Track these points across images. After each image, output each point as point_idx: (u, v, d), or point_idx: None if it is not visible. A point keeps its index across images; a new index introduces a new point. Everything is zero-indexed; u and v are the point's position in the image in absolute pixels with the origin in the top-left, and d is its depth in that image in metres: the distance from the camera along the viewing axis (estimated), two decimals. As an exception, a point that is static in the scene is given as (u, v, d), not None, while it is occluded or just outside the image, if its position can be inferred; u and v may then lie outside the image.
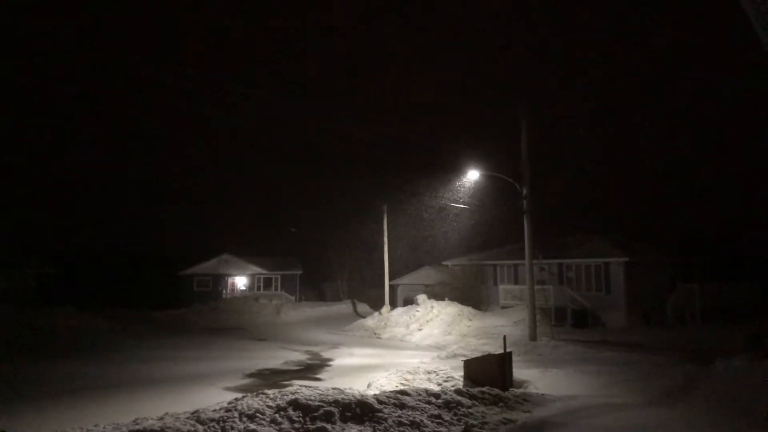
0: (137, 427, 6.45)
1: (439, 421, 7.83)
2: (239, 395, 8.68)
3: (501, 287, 27.72)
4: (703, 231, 33.81)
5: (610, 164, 46.50)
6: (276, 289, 40.95)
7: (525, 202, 18.47)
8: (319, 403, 7.48)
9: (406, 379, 12.25)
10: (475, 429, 7.62)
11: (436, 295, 28.10)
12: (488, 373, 10.71)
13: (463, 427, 7.62)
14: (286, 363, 16.60)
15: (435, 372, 13.22)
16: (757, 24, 2.76)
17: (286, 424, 7.03)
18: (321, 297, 44.82)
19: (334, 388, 8.71)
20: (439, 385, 11.51)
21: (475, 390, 9.47)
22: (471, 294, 28.68)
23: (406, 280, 36.81)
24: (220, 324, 28.99)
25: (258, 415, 7.10)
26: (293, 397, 7.68)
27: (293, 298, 40.71)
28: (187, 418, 7.00)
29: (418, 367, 14.07)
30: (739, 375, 10.04)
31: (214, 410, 7.34)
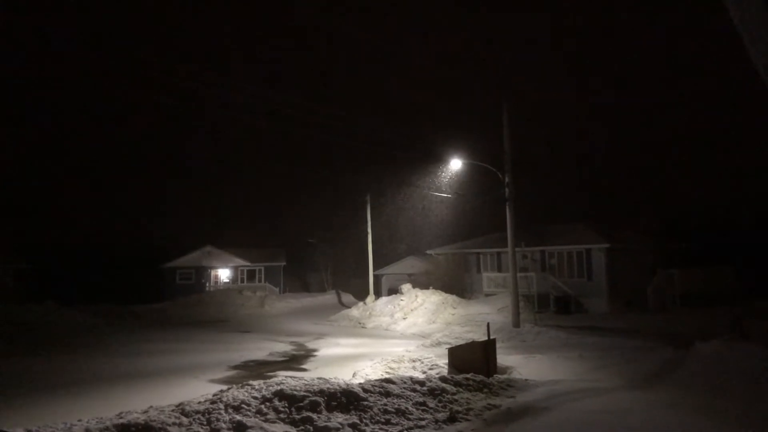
0: (121, 420, 6.37)
1: (425, 408, 7.87)
2: (224, 387, 8.63)
3: (484, 275, 27.89)
4: (682, 217, 34.42)
5: (593, 152, 46.97)
6: (260, 281, 40.74)
7: (507, 190, 18.57)
8: (305, 393, 7.47)
9: (391, 368, 12.30)
10: (460, 415, 7.67)
11: (420, 284, 28.19)
12: (472, 360, 10.79)
13: (448, 413, 7.67)
14: (271, 354, 16.57)
15: (420, 360, 13.30)
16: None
17: (272, 415, 7.00)
18: (305, 288, 44.75)
19: (320, 378, 8.71)
20: (424, 372, 11.57)
21: (460, 377, 9.53)
22: (455, 282, 28.82)
23: (390, 269, 36.89)
24: (204, 317, 28.82)
25: (243, 406, 7.06)
26: (279, 387, 7.66)
27: (277, 289, 40.56)
28: (172, 410, 6.93)
29: (403, 356, 14.13)
30: (718, 357, 10.28)
31: (199, 402, 7.29)
